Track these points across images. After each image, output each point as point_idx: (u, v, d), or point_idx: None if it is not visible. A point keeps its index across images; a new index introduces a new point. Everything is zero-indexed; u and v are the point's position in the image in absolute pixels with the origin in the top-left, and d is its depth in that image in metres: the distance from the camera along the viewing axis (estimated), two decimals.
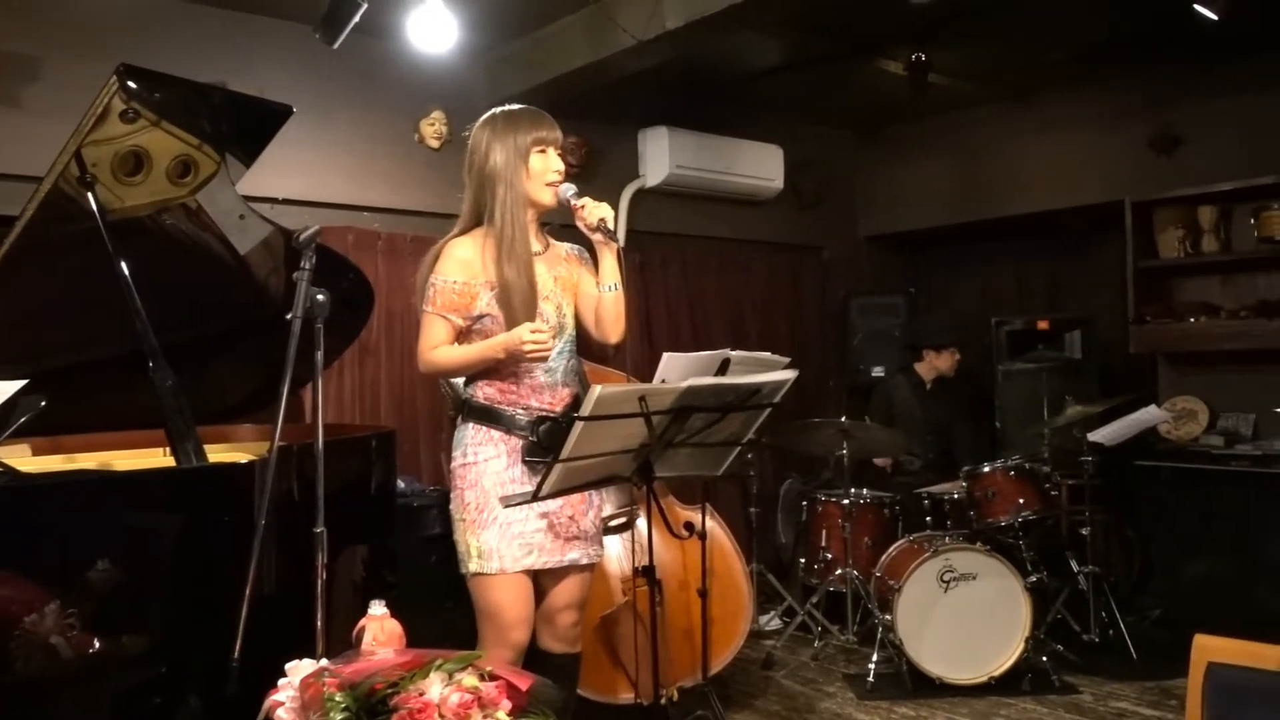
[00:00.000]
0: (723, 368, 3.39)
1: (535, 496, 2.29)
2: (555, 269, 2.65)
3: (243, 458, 2.83)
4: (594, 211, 2.51)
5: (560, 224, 2.78)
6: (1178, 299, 5.21)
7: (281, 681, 1.77)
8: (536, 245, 2.63)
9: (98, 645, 2.24)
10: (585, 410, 2.11)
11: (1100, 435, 4.49)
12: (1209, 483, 4.60)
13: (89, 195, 2.64)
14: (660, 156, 5.35)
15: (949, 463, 4.99)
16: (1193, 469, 4.68)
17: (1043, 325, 5.68)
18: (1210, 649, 1.67)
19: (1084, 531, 4.50)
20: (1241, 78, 4.94)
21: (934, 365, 5.17)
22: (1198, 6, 3.75)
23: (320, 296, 2.29)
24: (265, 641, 2.14)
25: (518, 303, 2.49)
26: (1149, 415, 4.54)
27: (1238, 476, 4.51)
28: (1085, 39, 4.84)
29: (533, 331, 2.40)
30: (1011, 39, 4.84)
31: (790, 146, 5.89)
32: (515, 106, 2.64)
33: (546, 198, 2.57)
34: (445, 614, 3.56)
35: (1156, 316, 5.06)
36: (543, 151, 2.57)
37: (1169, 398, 5.13)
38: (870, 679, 4.05)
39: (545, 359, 2.50)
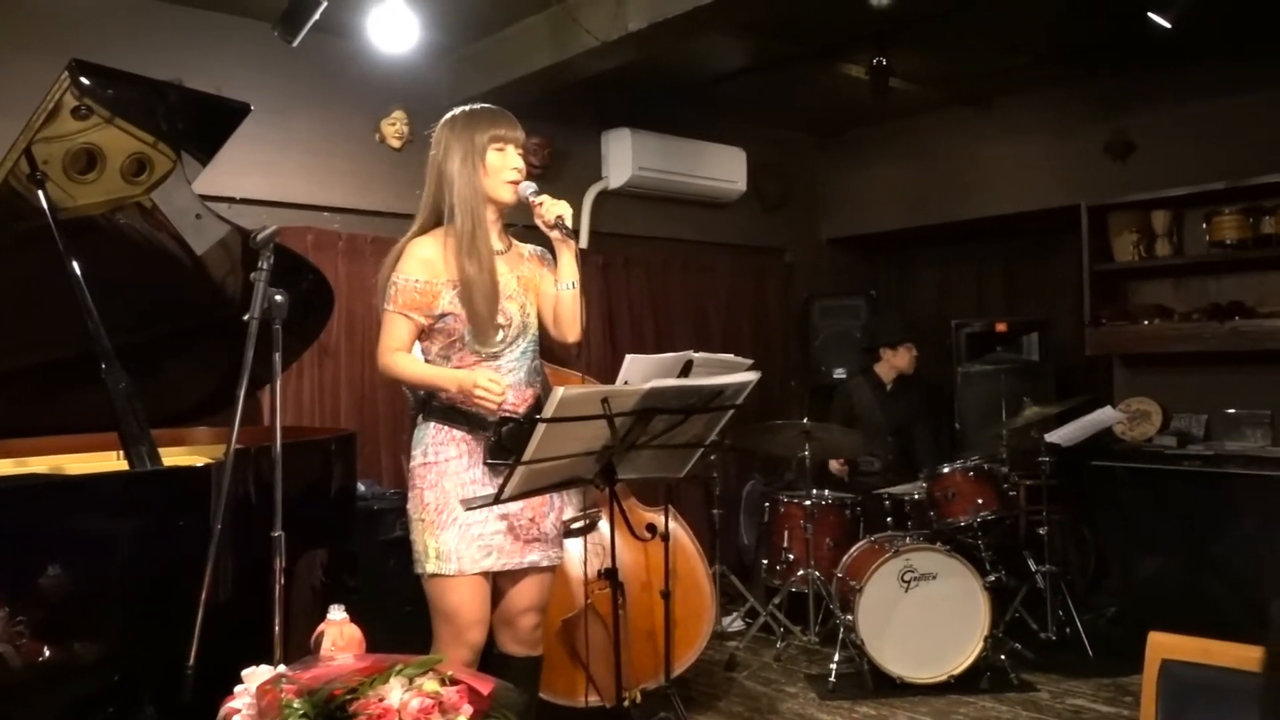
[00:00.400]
0: (686, 369, 3.39)
1: (498, 499, 2.27)
2: (518, 269, 2.64)
3: (199, 461, 2.78)
4: (552, 209, 2.51)
5: (524, 225, 2.77)
6: (1132, 302, 5.30)
7: (238, 688, 1.75)
8: (499, 244, 2.63)
9: (48, 653, 2.19)
10: (548, 412, 2.10)
11: (1057, 436, 4.55)
12: (1162, 482, 4.68)
13: (39, 193, 2.59)
14: (623, 158, 5.35)
15: (909, 463, 5.04)
16: (1147, 469, 4.75)
17: (1001, 327, 5.75)
18: (1164, 646, 1.69)
19: (1041, 531, 4.57)
20: (1193, 85, 5.04)
21: (892, 364, 5.20)
22: (1152, 15, 3.82)
23: (278, 297, 2.27)
24: (221, 648, 2.10)
25: (479, 299, 2.48)
26: (1104, 416, 4.61)
27: (1190, 476, 4.59)
28: (1042, 46, 4.91)
29: (489, 380, 2.41)
30: (970, 45, 4.90)
31: (753, 149, 5.91)
32: (477, 105, 2.63)
33: (505, 195, 2.57)
34: (406, 618, 3.53)
35: (1111, 319, 5.14)
36: (501, 149, 2.56)
37: (1124, 399, 5.21)
38: (832, 679, 4.07)
39: (490, 412, 2.47)
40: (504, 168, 2.56)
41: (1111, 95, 5.34)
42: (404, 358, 2.53)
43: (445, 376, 2.50)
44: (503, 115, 2.61)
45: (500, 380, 2.46)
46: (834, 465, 5.04)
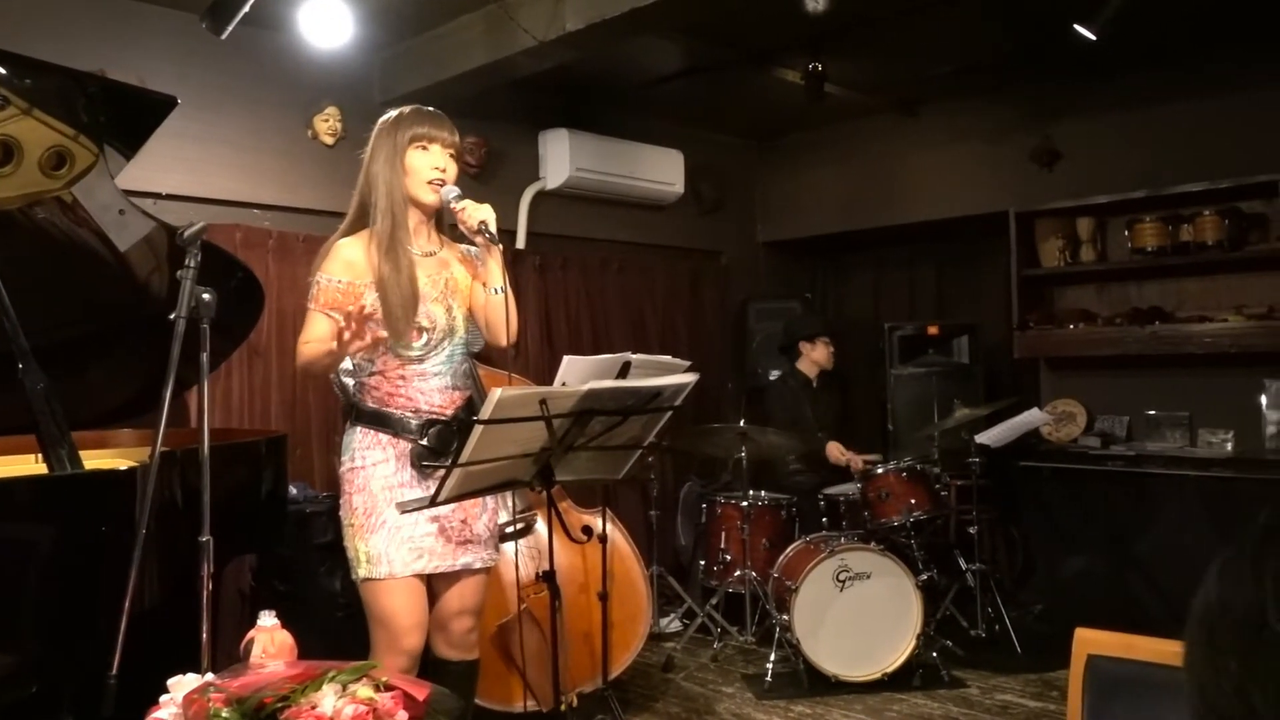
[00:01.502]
0: (624, 371, 3.40)
1: (433, 502, 2.25)
2: (448, 270, 2.62)
3: (122, 464, 2.70)
4: (474, 214, 2.49)
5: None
6: (1058, 306, 5.44)
7: (163, 698, 1.70)
8: (430, 246, 2.61)
9: None
10: (485, 413, 2.09)
11: (986, 437, 4.65)
12: (1086, 482, 4.82)
13: None
14: (561, 159, 5.34)
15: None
16: (1072, 469, 4.89)
17: (932, 330, 5.86)
18: (1090, 641, 1.73)
19: (971, 530, 4.66)
20: (1116, 95, 5.19)
21: (812, 359, 5.27)
22: (1077, 27, 3.93)
23: (205, 296, 2.23)
24: (146, 656, 2.05)
25: (395, 301, 2.45)
26: (1031, 417, 4.72)
27: (1112, 476, 4.73)
28: (970, 55, 5.01)
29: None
30: (901, 53, 4.98)
31: (690, 152, 5.94)
32: (410, 107, 2.62)
33: (425, 196, 2.54)
34: (340, 625, 3.48)
35: (1038, 323, 5.28)
36: (423, 148, 2.54)
37: (1050, 401, 5.35)
38: (768, 679, 4.11)
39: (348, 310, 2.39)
40: (424, 167, 2.53)
41: (1037, 104, 5.47)
42: (310, 344, 2.48)
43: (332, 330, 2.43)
44: (430, 115, 2.59)
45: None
46: (845, 455, 4.96)
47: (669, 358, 3.65)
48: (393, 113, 2.60)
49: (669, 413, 2.47)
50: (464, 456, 2.14)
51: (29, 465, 2.86)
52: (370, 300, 2.48)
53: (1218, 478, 4.44)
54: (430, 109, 2.62)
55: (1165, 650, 1.64)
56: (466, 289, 2.64)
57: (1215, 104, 4.88)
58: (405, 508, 2.37)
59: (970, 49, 4.95)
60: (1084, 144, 5.35)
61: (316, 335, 2.48)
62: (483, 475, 2.27)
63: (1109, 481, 4.73)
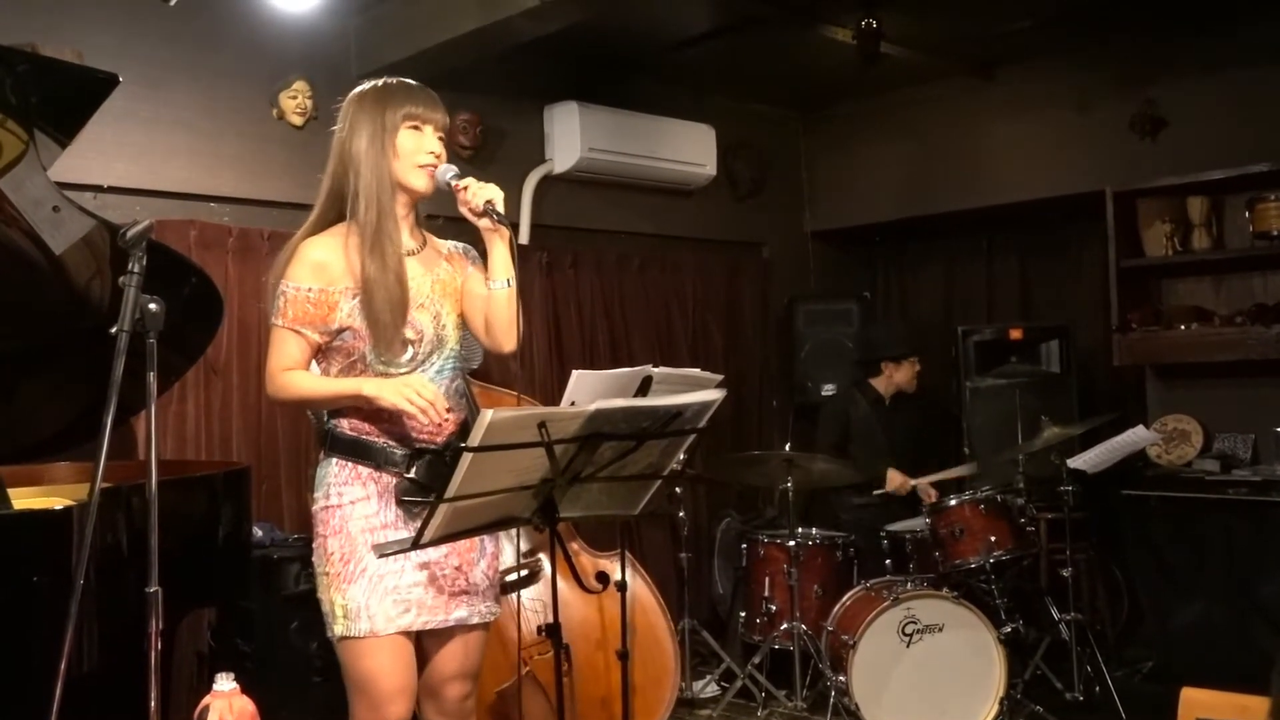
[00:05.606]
0: (644, 387, 3.41)
1: (415, 544, 2.27)
2: (434, 270, 2.65)
3: (57, 503, 2.75)
4: (479, 193, 2.52)
5: (446, 217, 2.78)
6: (1166, 303, 5.39)
7: None
8: (411, 242, 2.63)
9: None
10: (475, 439, 2.10)
11: (1082, 461, 4.62)
12: (1204, 514, 4.76)
13: None
14: (570, 137, 5.37)
15: (912, 493, 5.09)
16: (1185, 498, 4.84)
17: (1015, 334, 5.82)
18: (1198, 704, 1.73)
19: (1065, 573, 4.62)
20: (1232, 51, 5.14)
21: (892, 379, 5.27)
22: None
23: (153, 306, 2.26)
24: None
25: (382, 306, 2.47)
26: (1136, 437, 4.68)
27: (1235, 506, 4.67)
28: (1056, 5, 4.99)
29: (418, 394, 2.41)
30: (973, 3, 4.97)
31: (723, 127, 5.96)
32: (392, 80, 2.65)
33: (418, 182, 2.57)
34: (312, 690, 3.52)
35: (1143, 323, 5.22)
36: (416, 129, 2.57)
37: (1158, 416, 5.30)
38: None
39: (421, 429, 2.49)
40: (419, 150, 2.56)
41: (1137, 63, 5.44)
42: (302, 375, 2.52)
43: (362, 384, 2.48)
44: (421, 92, 2.62)
45: (432, 391, 2.45)
46: (910, 482, 5.01)
47: (698, 371, 3.66)
48: (373, 83, 2.63)
49: (692, 436, 2.48)
50: (451, 490, 2.16)
51: None
52: (347, 309, 2.51)
53: None
54: (418, 84, 2.65)
55: None
56: (456, 292, 2.67)
57: None
58: (383, 550, 2.39)
59: None
60: (1194, 109, 5.30)
61: (292, 360, 2.51)
62: (474, 512, 2.28)
63: (1230, 512, 4.68)
